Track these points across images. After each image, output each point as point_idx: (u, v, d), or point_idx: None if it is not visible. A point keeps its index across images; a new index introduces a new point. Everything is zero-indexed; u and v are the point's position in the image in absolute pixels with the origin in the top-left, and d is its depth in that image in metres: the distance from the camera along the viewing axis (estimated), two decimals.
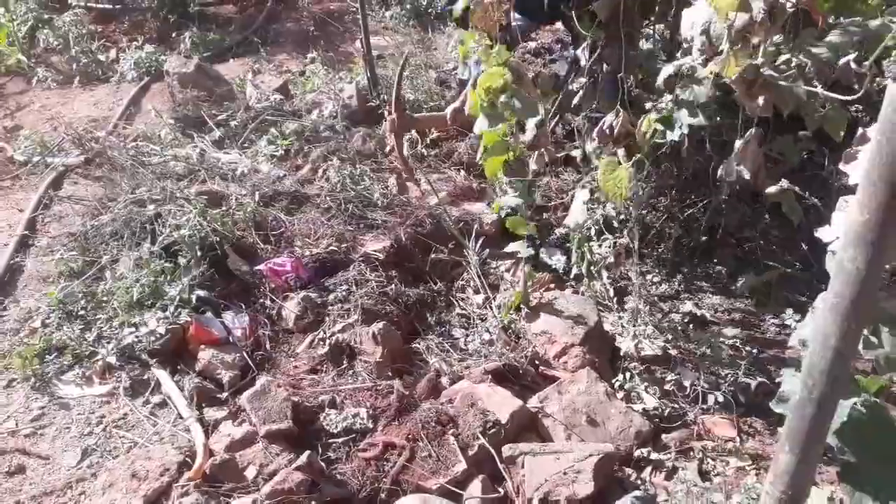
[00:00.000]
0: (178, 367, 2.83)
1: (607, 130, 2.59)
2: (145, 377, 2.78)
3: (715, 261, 3.71)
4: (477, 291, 3.45)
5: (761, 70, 1.80)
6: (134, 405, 2.66)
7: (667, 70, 2.31)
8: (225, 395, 2.71)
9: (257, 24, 6.78)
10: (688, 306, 3.37)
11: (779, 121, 3.40)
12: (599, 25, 3.23)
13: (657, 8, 3.22)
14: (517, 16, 4.04)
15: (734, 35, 1.74)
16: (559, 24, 4.95)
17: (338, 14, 7.00)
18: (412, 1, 6.84)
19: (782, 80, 1.81)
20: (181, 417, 2.59)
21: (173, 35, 6.54)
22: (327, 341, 2.80)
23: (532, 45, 5.78)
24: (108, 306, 3.03)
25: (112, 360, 2.79)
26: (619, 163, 2.82)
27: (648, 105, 2.46)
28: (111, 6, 6.90)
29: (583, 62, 3.44)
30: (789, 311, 3.25)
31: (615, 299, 3.37)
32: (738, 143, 2.43)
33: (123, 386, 2.73)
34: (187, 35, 6.33)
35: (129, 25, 6.74)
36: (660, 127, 2.32)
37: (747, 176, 2.47)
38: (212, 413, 2.61)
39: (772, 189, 2.22)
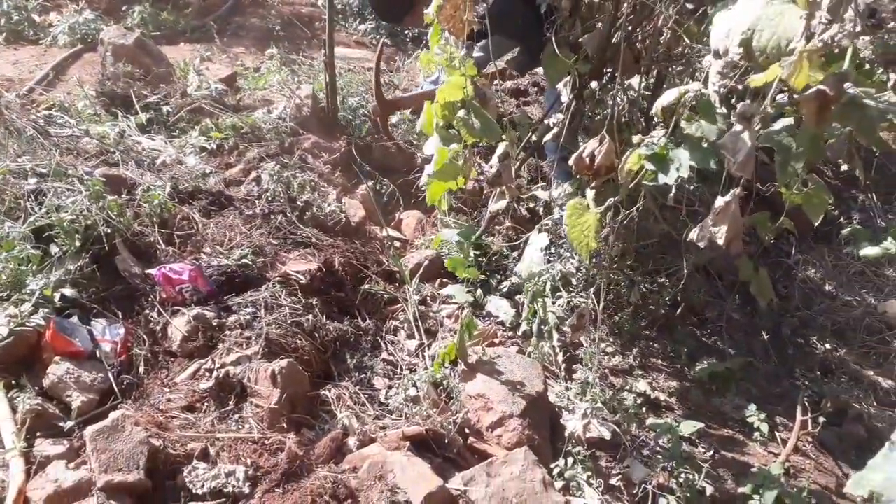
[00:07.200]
0: (20, 381, 2.24)
1: (587, 159, 2.17)
2: None
3: (674, 338, 3.36)
4: (411, 336, 2.98)
5: (845, 85, 1.33)
6: None
7: (668, 96, 1.89)
8: (70, 424, 2.13)
9: (219, 13, 6.29)
10: (642, 385, 2.99)
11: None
12: (586, 59, 2.90)
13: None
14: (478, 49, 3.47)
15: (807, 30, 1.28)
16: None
17: (308, 19, 6.57)
18: None
19: (874, 100, 1.36)
20: (2, 447, 1.99)
21: (123, 8, 5.99)
22: (214, 373, 2.26)
23: (509, 83, 5.46)
24: None
25: None
26: (588, 207, 2.41)
27: (636, 139, 2.02)
28: None
29: (564, 97, 3.10)
30: (752, 406, 2.90)
31: (563, 366, 2.96)
32: (717, 202, 2.05)
33: None
34: (137, 10, 5.78)
35: None
36: (650, 166, 1.88)
37: (721, 241, 2.08)
38: (46, 447, 2.02)
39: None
